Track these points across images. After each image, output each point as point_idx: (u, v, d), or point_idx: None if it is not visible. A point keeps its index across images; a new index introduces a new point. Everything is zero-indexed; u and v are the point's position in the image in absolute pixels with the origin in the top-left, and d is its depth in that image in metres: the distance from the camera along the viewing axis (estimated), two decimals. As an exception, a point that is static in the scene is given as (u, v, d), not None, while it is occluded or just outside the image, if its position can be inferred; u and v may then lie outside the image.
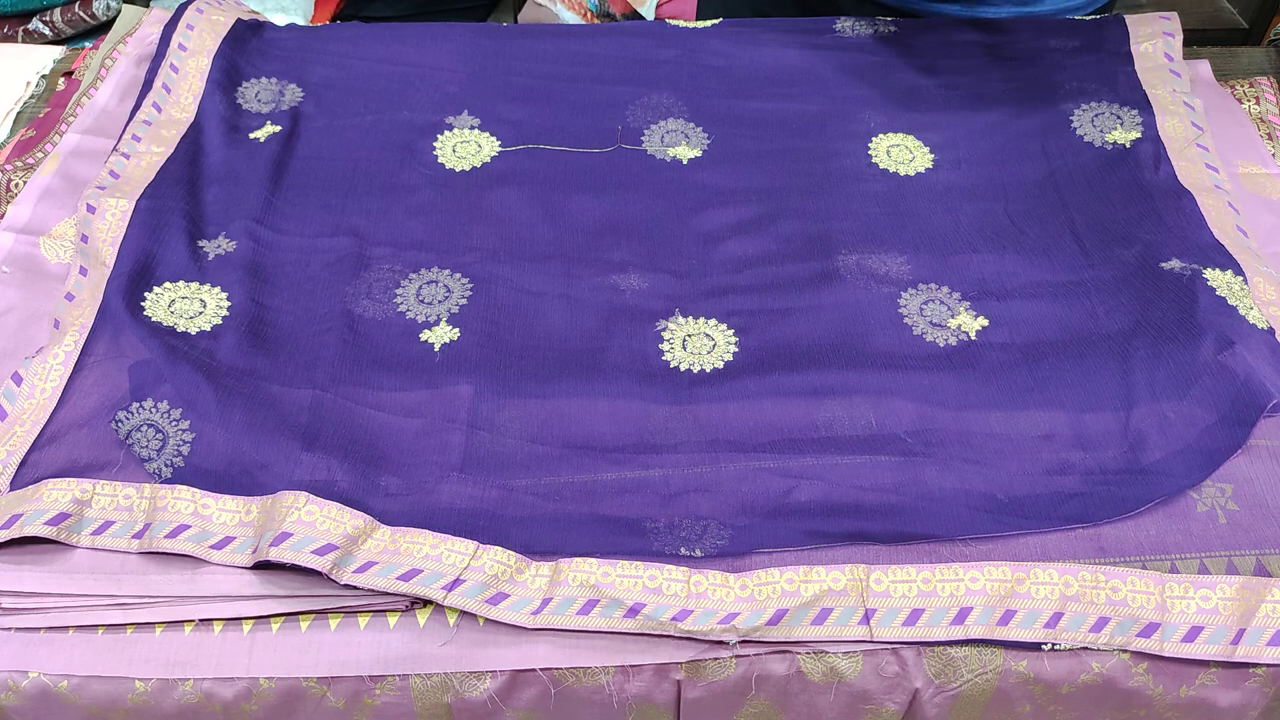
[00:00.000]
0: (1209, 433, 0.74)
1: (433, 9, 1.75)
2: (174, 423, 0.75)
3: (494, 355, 0.82)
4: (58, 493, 0.71)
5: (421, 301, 0.87)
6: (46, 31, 1.43)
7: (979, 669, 0.67)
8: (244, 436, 0.75)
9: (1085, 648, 0.66)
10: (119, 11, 1.24)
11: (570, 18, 1.76)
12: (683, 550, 0.70)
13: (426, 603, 0.68)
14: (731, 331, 0.84)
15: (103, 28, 1.42)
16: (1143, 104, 1.01)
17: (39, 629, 0.67)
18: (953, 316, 0.85)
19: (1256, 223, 0.93)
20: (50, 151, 1.01)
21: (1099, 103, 1.02)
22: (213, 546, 0.69)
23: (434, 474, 0.74)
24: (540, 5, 1.81)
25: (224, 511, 0.71)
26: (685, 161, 0.99)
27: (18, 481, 0.73)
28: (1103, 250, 0.89)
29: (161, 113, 1.02)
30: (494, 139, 1.01)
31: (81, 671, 0.66)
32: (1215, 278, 0.83)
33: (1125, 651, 0.66)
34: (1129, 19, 1.11)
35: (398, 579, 0.67)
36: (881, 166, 0.98)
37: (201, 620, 0.68)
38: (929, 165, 0.98)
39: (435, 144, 1.01)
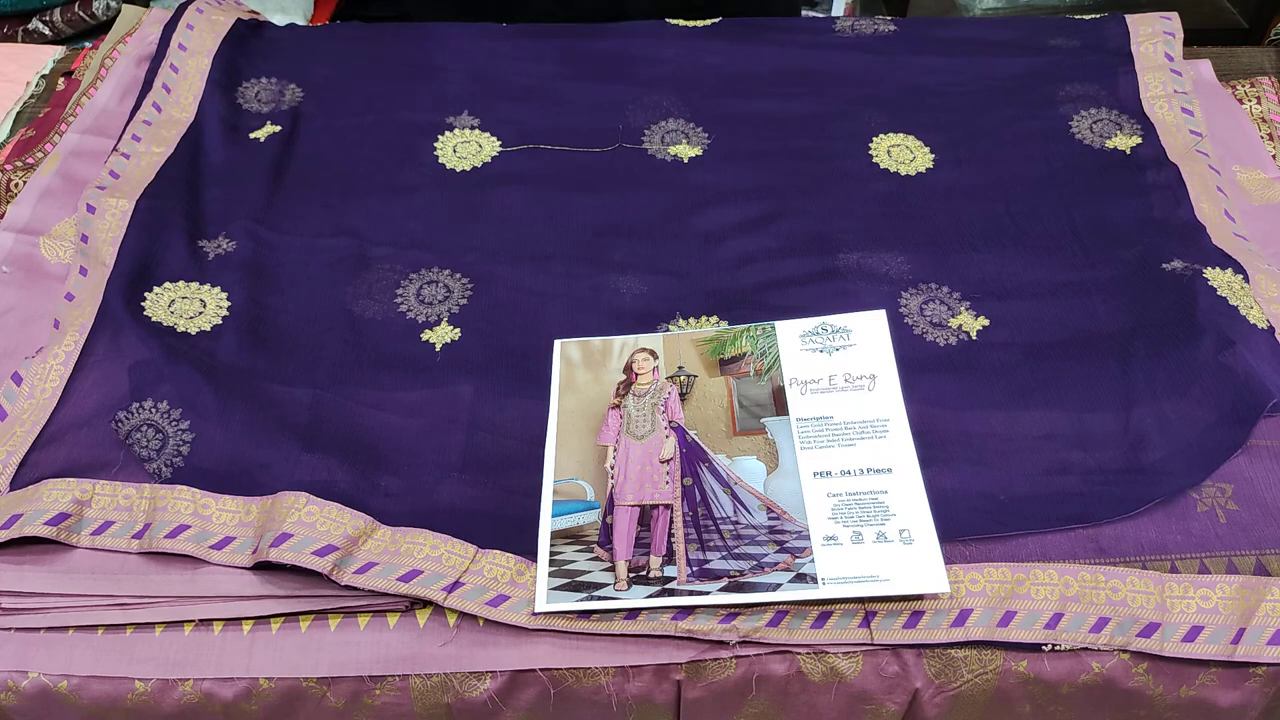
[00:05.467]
0: (1209, 432, 0.74)
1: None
2: (174, 423, 0.75)
3: (495, 355, 0.82)
4: (58, 493, 0.71)
5: (422, 301, 0.87)
6: (46, 31, 1.43)
7: (979, 669, 0.67)
8: (244, 436, 0.75)
9: (1085, 648, 0.66)
10: (119, 11, 1.24)
11: (570, 17, 1.76)
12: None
13: (426, 603, 0.68)
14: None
15: (102, 27, 1.42)
16: (1140, 114, 1.01)
17: (39, 629, 0.67)
18: (953, 316, 0.85)
19: (1255, 226, 0.93)
20: (50, 151, 1.01)
21: (1098, 109, 1.02)
22: (213, 547, 0.69)
23: (434, 474, 0.74)
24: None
25: (224, 512, 0.71)
26: (685, 160, 0.99)
27: (18, 481, 0.73)
28: (1103, 250, 0.89)
29: (161, 113, 1.02)
30: (494, 139, 1.01)
31: (81, 671, 0.66)
32: (1216, 277, 0.83)
33: (1125, 651, 0.66)
34: (1129, 19, 1.11)
35: (398, 580, 0.67)
36: (882, 166, 0.98)
37: (201, 620, 0.68)
38: (930, 165, 0.98)
39: (436, 144, 1.01)
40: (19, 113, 1.09)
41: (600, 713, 0.68)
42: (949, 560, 0.68)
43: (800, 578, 0.67)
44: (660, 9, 1.17)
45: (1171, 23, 1.09)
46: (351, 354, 0.82)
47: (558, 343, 0.82)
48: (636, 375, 0.79)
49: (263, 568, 0.68)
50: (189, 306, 0.85)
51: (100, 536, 0.70)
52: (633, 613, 0.67)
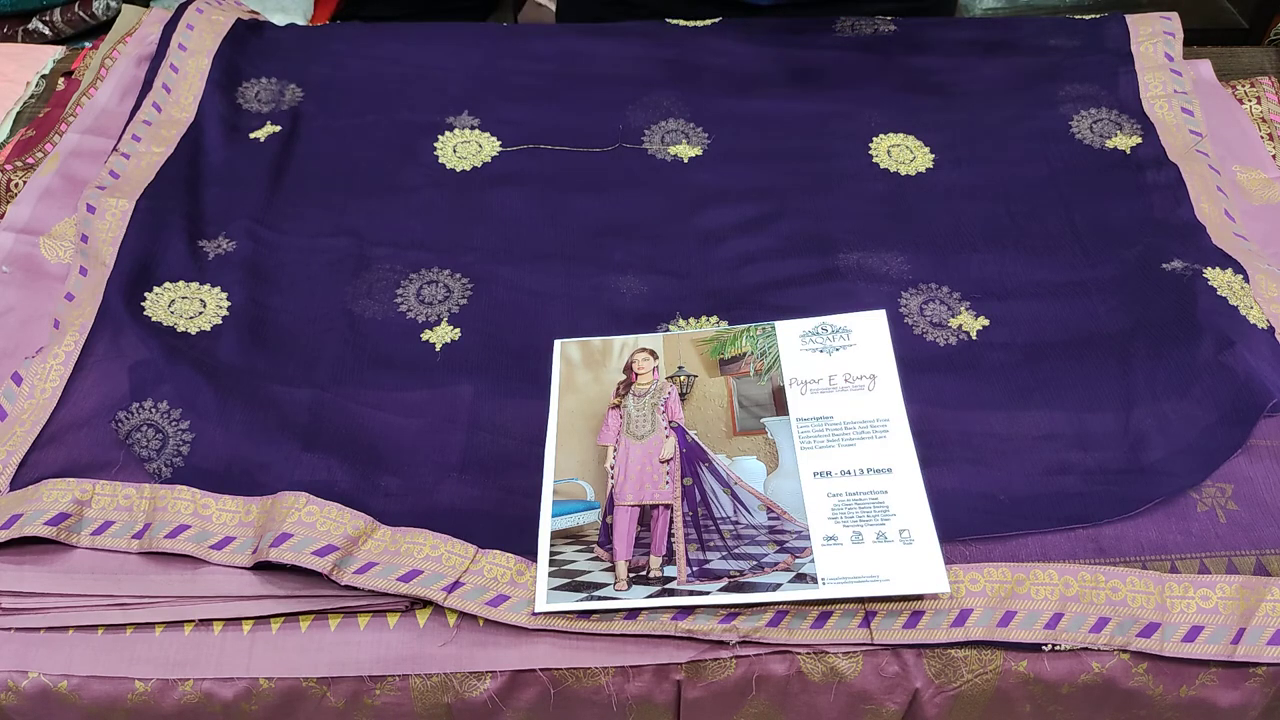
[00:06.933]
0: (1209, 432, 0.74)
1: (433, 9, 1.75)
2: (174, 423, 0.75)
3: (495, 355, 0.82)
4: (58, 493, 0.71)
5: (422, 301, 0.87)
6: (46, 31, 1.43)
7: (979, 669, 0.67)
8: (244, 436, 0.75)
9: (1085, 648, 0.66)
10: (119, 11, 1.24)
11: (570, 17, 1.76)
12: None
13: (426, 603, 0.68)
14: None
15: (102, 27, 1.42)
16: (1141, 114, 1.01)
17: (39, 629, 0.67)
18: (953, 316, 0.85)
19: (1255, 226, 0.93)
20: (50, 151, 1.01)
21: (1098, 109, 1.02)
22: (213, 547, 0.69)
23: (434, 474, 0.74)
24: (540, 5, 1.82)
25: (224, 512, 0.71)
26: (686, 160, 0.99)
27: (18, 481, 0.73)
28: (1103, 250, 0.89)
29: (161, 113, 1.02)
30: (494, 139, 1.01)
31: (81, 671, 0.66)
32: (1216, 277, 0.83)
33: (1125, 651, 0.66)
34: (1129, 19, 1.11)
35: (398, 580, 0.67)
36: (882, 166, 0.98)
37: (201, 620, 0.68)
38: (929, 165, 0.98)
39: (435, 144, 1.01)
40: (19, 113, 1.09)
41: (600, 713, 0.68)
42: (949, 560, 0.68)
43: (800, 578, 0.67)
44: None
45: (1171, 23, 1.09)
46: (351, 354, 0.82)
47: (558, 343, 0.82)
48: (636, 375, 0.79)
49: (263, 568, 0.68)
50: (189, 306, 0.85)
51: (100, 536, 0.70)
52: (633, 613, 0.67)
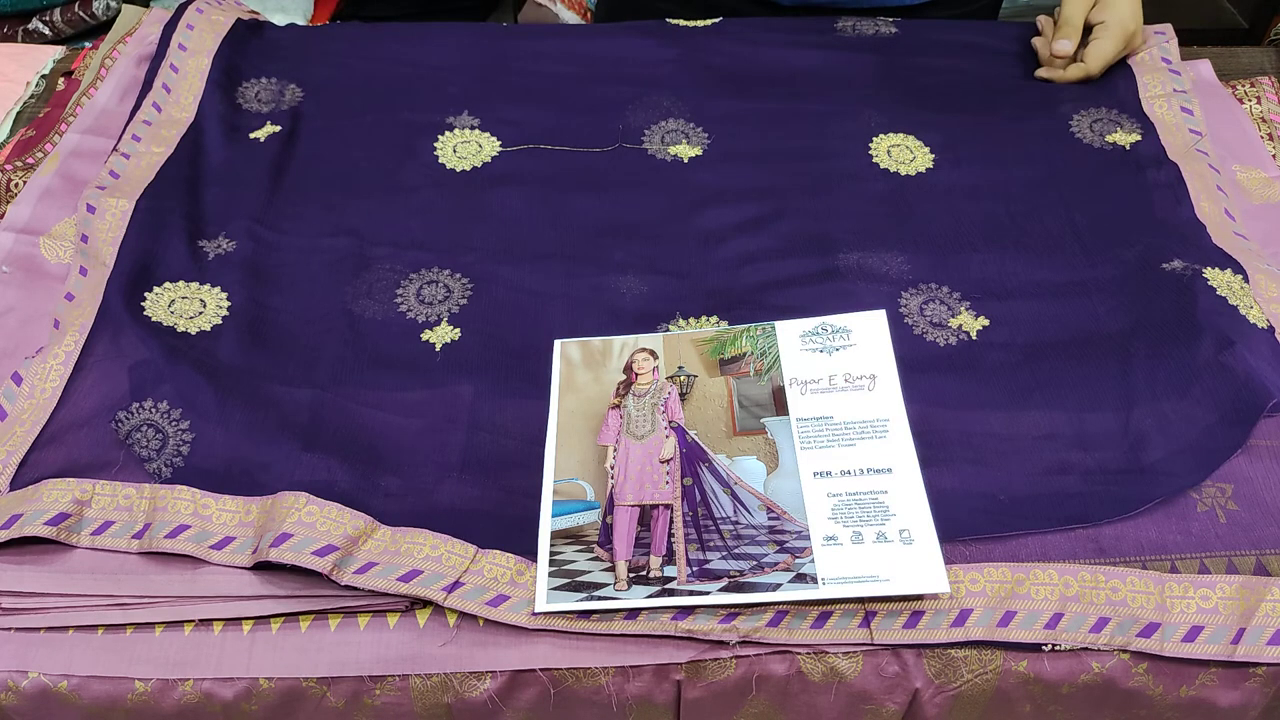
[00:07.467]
0: (1209, 432, 0.74)
1: (433, 9, 1.75)
2: (174, 423, 0.75)
3: (495, 355, 0.82)
4: (58, 493, 0.71)
5: (422, 301, 0.87)
6: (46, 31, 1.44)
7: (979, 669, 0.67)
8: (244, 436, 0.75)
9: (1085, 648, 0.66)
10: (119, 11, 1.24)
11: (570, 18, 1.76)
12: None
13: (426, 603, 0.68)
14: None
15: (102, 27, 1.42)
16: (1140, 113, 1.01)
17: (39, 629, 0.67)
18: (953, 316, 0.85)
19: (1255, 226, 0.93)
20: (50, 151, 1.01)
21: (1098, 108, 1.02)
22: (213, 547, 0.69)
23: (434, 474, 0.74)
24: (540, 5, 1.81)
25: (224, 512, 0.71)
26: (686, 160, 0.99)
27: (18, 481, 0.73)
28: (1103, 250, 0.89)
29: (161, 113, 1.02)
30: (494, 139, 1.01)
31: (81, 671, 0.66)
32: (1216, 277, 0.83)
33: (1125, 651, 0.66)
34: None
35: (398, 580, 0.67)
36: (882, 166, 0.98)
37: (201, 620, 0.68)
38: (929, 165, 0.98)
39: (435, 144, 1.01)
40: (19, 113, 1.09)
41: (600, 713, 0.68)
42: (949, 560, 0.68)
43: (800, 578, 0.67)
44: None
45: (1165, 32, 1.10)
46: (351, 354, 0.82)
47: (558, 343, 0.82)
48: (636, 375, 0.79)
49: (263, 568, 0.68)
50: (189, 306, 0.85)
51: (100, 536, 0.70)
52: (633, 613, 0.67)
